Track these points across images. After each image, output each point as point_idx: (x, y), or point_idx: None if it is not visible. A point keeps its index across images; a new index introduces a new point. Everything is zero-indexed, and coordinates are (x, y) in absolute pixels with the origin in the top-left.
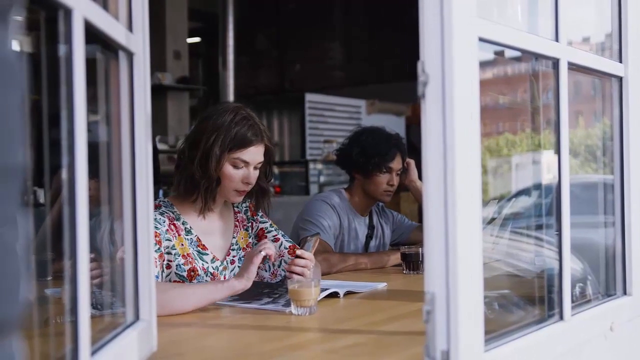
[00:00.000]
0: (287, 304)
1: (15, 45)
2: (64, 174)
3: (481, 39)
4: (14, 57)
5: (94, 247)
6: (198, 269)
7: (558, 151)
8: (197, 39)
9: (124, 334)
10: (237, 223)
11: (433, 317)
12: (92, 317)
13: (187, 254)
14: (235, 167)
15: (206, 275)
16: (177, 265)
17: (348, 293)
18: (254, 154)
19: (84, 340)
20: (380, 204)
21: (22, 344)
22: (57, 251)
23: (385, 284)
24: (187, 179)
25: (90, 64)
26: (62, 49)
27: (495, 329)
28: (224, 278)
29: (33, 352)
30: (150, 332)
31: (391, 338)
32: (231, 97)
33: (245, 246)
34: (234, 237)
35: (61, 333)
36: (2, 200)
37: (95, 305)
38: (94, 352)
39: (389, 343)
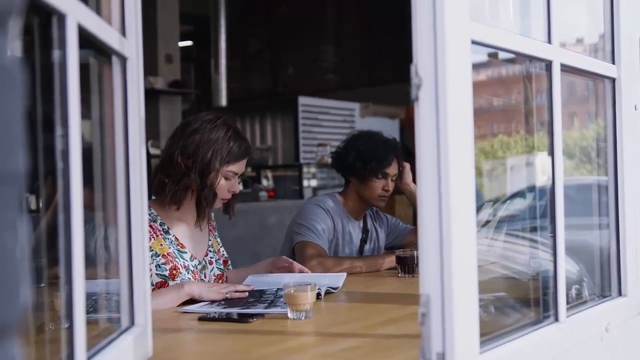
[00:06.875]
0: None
1: (14, 51)
2: (59, 180)
3: (474, 42)
4: (14, 63)
5: (88, 254)
6: (179, 266)
7: (552, 152)
8: (189, 43)
9: (119, 339)
10: (210, 228)
11: (428, 319)
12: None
13: (167, 254)
14: (227, 179)
15: (187, 273)
16: (157, 266)
17: (328, 292)
18: (244, 165)
19: (79, 345)
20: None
21: (21, 348)
22: (51, 257)
23: (344, 274)
24: (182, 189)
25: (83, 69)
26: (55, 54)
27: (491, 331)
28: (204, 277)
29: (29, 359)
30: (145, 337)
31: (387, 341)
32: (224, 101)
33: (217, 250)
34: (209, 240)
35: (55, 339)
36: (3, 204)
37: (89, 310)
38: (89, 358)
39: (385, 346)
